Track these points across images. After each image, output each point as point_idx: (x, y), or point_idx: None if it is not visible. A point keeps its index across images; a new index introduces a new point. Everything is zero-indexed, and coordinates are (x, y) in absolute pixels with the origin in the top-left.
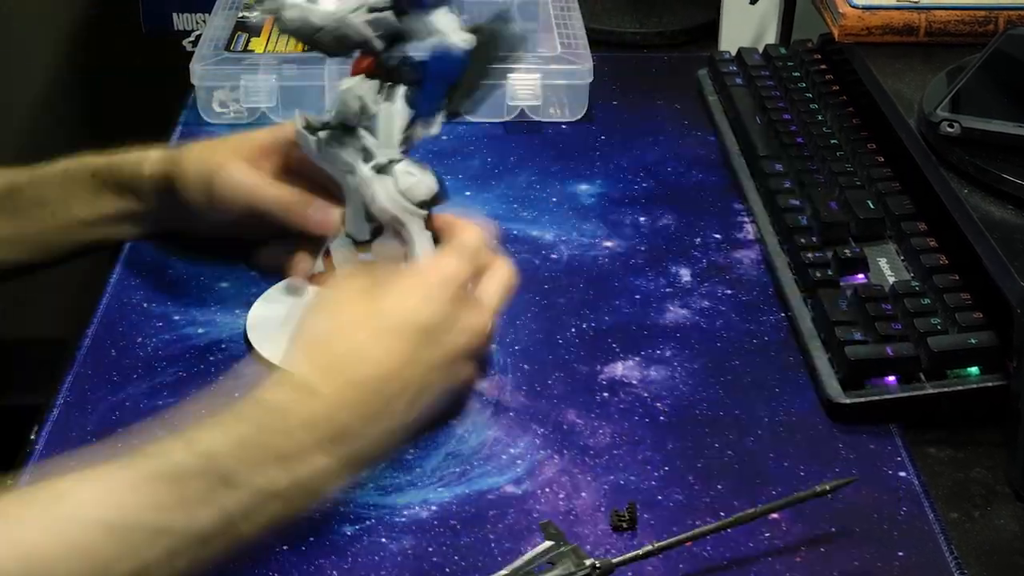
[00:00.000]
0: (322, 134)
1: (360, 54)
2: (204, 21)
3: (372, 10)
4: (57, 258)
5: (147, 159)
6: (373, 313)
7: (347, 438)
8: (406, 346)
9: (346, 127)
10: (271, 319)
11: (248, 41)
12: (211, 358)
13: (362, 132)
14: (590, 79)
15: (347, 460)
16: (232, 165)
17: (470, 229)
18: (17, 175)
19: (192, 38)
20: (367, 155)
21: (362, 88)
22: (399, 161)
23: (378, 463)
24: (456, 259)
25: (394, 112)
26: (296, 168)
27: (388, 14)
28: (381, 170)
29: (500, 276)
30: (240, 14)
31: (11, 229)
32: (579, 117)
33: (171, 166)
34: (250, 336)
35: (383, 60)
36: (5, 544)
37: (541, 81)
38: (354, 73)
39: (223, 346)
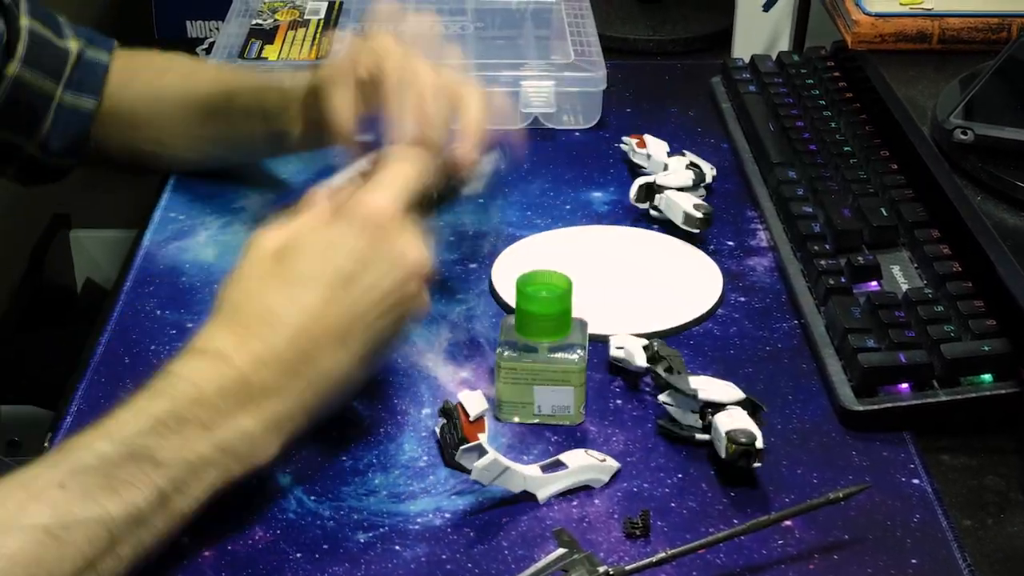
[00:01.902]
0: None
1: None
2: (217, 28)
3: None
4: (259, 158)
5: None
6: (280, 272)
7: (267, 398)
8: (316, 299)
9: None
10: None
11: (262, 48)
12: None
13: None
14: (604, 86)
15: (273, 419)
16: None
17: (397, 165)
18: (241, 80)
19: (205, 45)
20: None
21: None
22: None
23: (318, 415)
24: (374, 197)
25: None
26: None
27: None
28: None
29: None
30: (253, 21)
31: (226, 131)
32: (592, 124)
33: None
34: None
35: None
36: None
37: (555, 88)
38: None
39: None
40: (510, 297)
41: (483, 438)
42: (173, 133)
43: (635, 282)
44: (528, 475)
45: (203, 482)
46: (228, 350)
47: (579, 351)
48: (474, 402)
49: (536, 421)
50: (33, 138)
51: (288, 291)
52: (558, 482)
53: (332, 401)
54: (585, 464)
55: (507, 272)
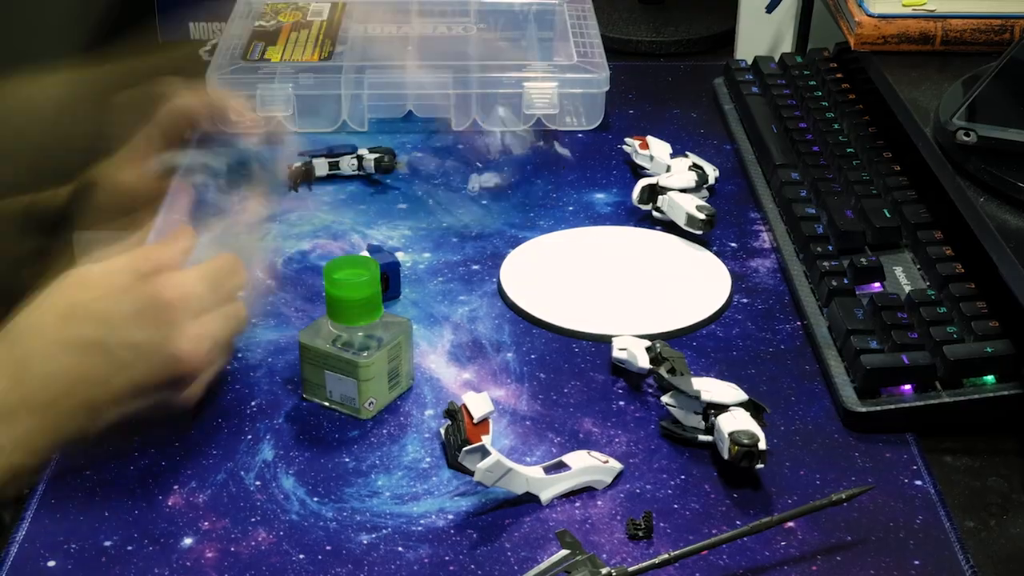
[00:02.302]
0: None
1: None
2: (221, 30)
3: None
4: None
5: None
6: (65, 325)
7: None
8: (73, 330)
9: None
10: None
11: (264, 50)
12: (228, 367)
13: None
14: (606, 88)
15: (30, 430)
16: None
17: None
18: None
19: (208, 47)
20: None
21: None
22: None
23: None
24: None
25: None
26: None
27: None
28: None
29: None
30: (256, 23)
31: None
32: (595, 125)
33: None
34: None
35: None
36: None
37: (558, 90)
38: None
39: (239, 354)
40: (517, 298)
41: (487, 440)
42: None
43: (643, 283)
44: (531, 477)
45: None
46: None
47: (375, 346)
48: (479, 404)
49: (327, 405)
50: None
51: (60, 326)
52: (561, 484)
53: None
54: (588, 465)
55: (515, 274)
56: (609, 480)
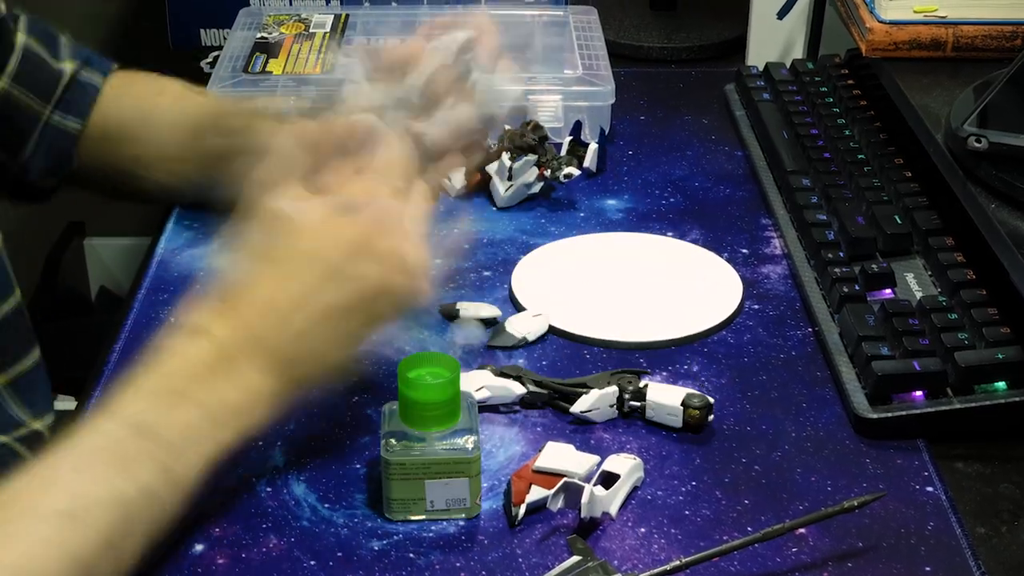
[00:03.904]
0: None
1: None
2: None
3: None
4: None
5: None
6: (275, 255)
7: (249, 371)
8: (303, 286)
9: None
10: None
11: (266, 62)
12: None
13: None
14: (612, 100)
15: (255, 390)
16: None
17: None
18: (225, 105)
19: (210, 59)
20: None
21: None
22: None
23: (304, 388)
24: (385, 197)
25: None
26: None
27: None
28: None
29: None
30: (258, 34)
31: (208, 154)
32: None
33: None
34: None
35: None
36: None
37: (562, 102)
38: None
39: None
40: (528, 304)
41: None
42: (156, 154)
43: (654, 289)
44: (603, 496)
45: (200, 452)
46: (207, 324)
47: (471, 437)
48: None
49: (424, 517)
50: (17, 157)
51: (278, 276)
52: (621, 493)
53: (316, 377)
54: (630, 467)
55: (526, 280)
56: (642, 475)
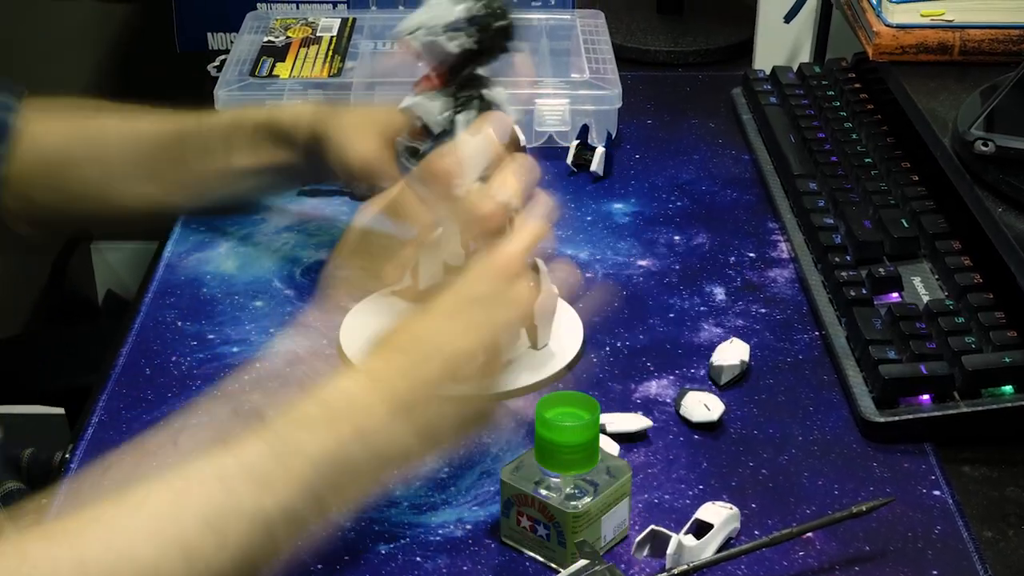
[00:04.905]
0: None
1: (425, 74)
2: None
3: (430, 34)
4: (209, 208)
5: (302, 115)
6: (426, 308)
7: (412, 409)
8: (453, 325)
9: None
10: (362, 328)
11: (273, 66)
12: (246, 377)
13: None
14: (618, 104)
15: (422, 426)
16: (364, 143)
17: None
18: (186, 121)
19: (217, 62)
20: None
21: (421, 108)
22: None
23: (453, 439)
24: (510, 250)
25: (458, 144)
26: None
27: (440, 39)
28: None
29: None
30: (265, 38)
31: (175, 174)
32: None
33: (320, 128)
34: (342, 344)
35: (449, 82)
36: (106, 549)
37: (569, 107)
38: (415, 91)
39: (258, 365)
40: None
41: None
42: (113, 174)
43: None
44: (693, 547)
45: (355, 483)
46: (379, 368)
47: (591, 491)
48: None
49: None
50: None
51: (431, 321)
52: (713, 543)
53: (463, 427)
54: (726, 516)
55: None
56: (738, 526)
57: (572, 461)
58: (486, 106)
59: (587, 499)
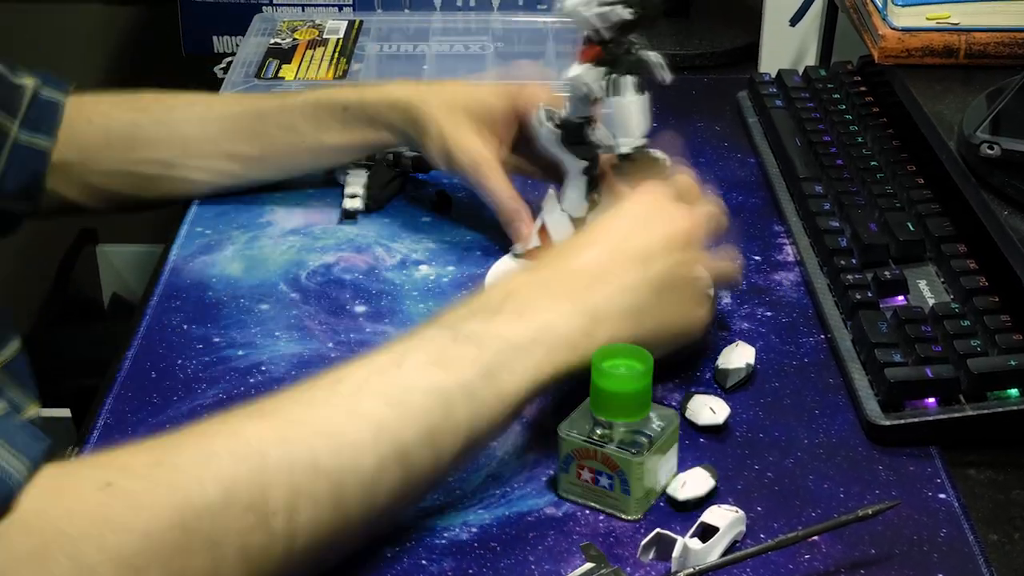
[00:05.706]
0: (555, 125)
1: (586, 44)
2: None
3: (603, 4)
4: (297, 176)
5: (396, 99)
6: (577, 243)
7: (572, 294)
8: (602, 251)
9: (578, 122)
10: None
11: (279, 68)
12: (251, 380)
13: (597, 127)
14: None
15: (583, 311)
16: (467, 137)
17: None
18: (262, 101)
19: (223, 64)
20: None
21: (588, 76)
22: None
23: (623, 324)
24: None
25: (625, 104)
26: (523, 138)
27: (617, 8)
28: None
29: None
30: (272, 40)
31: (256, 150)
32: None
33: (415, 107)
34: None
35: (611, 50)
36: (309, 429)
37: None
38: (581, 62)
39: (263, 368)
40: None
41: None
42: (189, 152)
43: None
44: (695, 549)
45: (525, 364)
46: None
47: (645, 443)
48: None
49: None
50: None
51: (581, 249)
52: (719, 547)
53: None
54: (731, 519)
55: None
56: (744, 529)
57: (627, 408)
58: (644, 67)
59: (646, 446)
